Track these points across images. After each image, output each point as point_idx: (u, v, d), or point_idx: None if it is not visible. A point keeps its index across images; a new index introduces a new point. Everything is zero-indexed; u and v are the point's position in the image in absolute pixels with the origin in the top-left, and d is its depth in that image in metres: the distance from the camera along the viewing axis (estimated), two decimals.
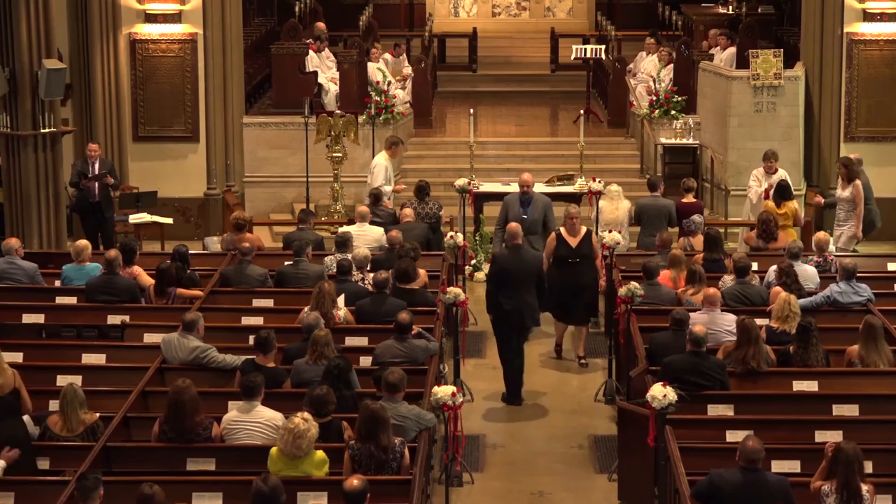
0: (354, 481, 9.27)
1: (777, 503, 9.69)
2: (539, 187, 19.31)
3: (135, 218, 19.89)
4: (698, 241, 16.27)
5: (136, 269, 15.13)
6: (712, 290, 13.55)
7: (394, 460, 10.38)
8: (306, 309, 13.48)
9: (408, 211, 17.35)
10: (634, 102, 23.51)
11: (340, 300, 13.84)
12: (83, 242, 15.76)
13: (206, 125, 21.92)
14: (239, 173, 22.23)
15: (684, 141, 21.64)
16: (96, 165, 19.16)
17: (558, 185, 19.17)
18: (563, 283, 15.65)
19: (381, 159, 19.49)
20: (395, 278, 14.39)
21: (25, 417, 11.24)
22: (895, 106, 21.51)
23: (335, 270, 14.79)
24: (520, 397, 15.11)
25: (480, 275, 18.76)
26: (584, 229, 15.86)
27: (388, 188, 19.14)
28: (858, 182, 18.37)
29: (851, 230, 18.44)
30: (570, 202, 18.98)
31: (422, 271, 14.98)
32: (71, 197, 19.90)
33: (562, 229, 15.85)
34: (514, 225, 15.38)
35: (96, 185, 19.02)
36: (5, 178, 18.55)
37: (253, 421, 10.97)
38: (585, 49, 26.38)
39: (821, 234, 16.10)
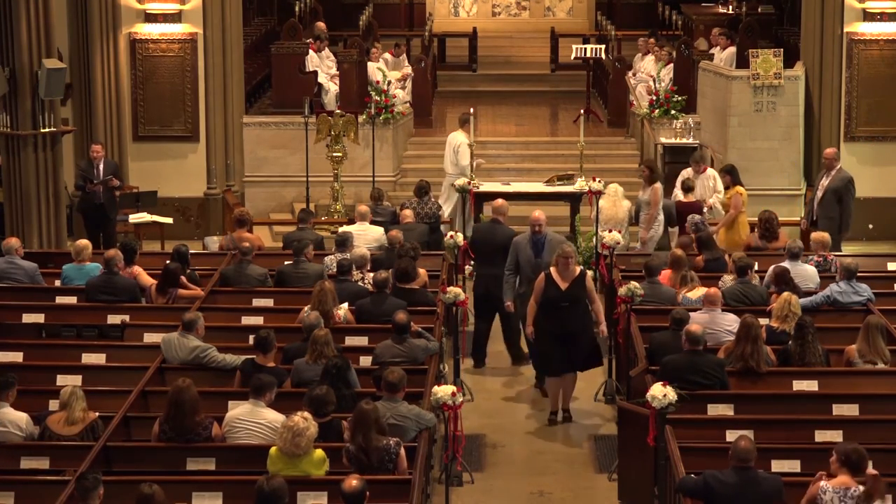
0: (353, 482, 9.28)
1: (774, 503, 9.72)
2: (538, 187, 19.33)
3: (135, 218, 19.88)
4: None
5: (137, 269, 15.14)
6: (713, 290, 13.56)
7: (389, 461, 10.37)
8: (306, 308, 13.48)
9: (407, 212, 17.36)
10: (634, 102, 23.51)
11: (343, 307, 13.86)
12: (83, 242, 15.75)
13: (206, 125, 21.91)
14: (239, 173, 22.23)
15: (684, 141, 21.61)
16: (100, 166, 19.17)
17: (558, 185, 19.15)
18: (549, 330, 14.11)
19: (462, 137, 19.94)
20: (396, 278, 14.39)
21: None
22: (895, 106, 21.51)
23: (335, 270, 14.79)
24: (483, 361, 16.17)
25: None
26: (578, 270, 14.21)
27: (465, 163, 19.75)
28: (658, 186, 18.05)
29: (651, 232, 18.14)
30: (570, 202, 19.04)
31: (422, 271, 14.98)
32: (72, 197, 19.89)
33: (552, 269, 14.15)
34: (500, 202, 16.30)
35: (100, 187, 19.04)
36: (5, 178, 18.55)
37: (255, 421, 10.97)
38: (585, 49, 26.40)
39: (822, 234, 16.11)
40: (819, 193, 18.30)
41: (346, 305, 13.86)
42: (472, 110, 20.16)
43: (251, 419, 10.99)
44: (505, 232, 15.93)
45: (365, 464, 10.29)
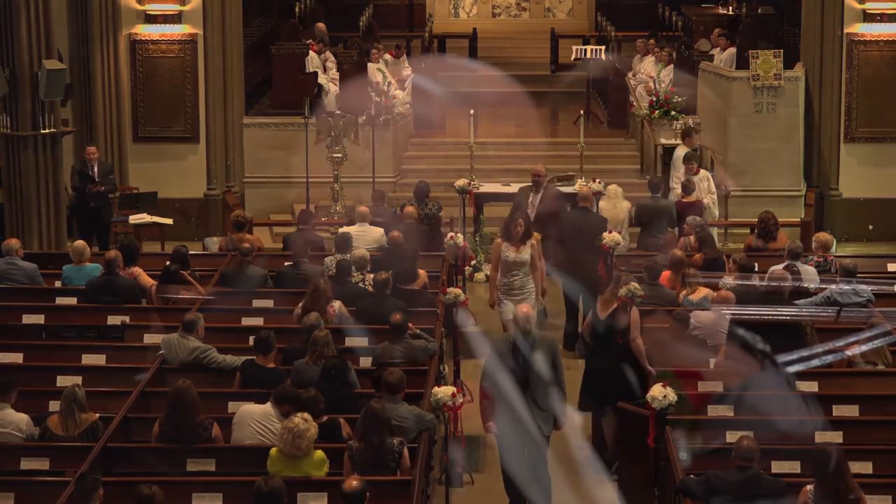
0: (353, 482, 9.28)
1: None
2: None
3: (135, 218, 19.86)
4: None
5: (137, 270, 15.14)
6: (724, 293, 13.55)
7: (392, 461, 10.37)
8: (299, 306, 13.54)
9: (410, 209, 17.29)
10: (634, 103, 23.51)
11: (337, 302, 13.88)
12: (83, 243, 15.76)
13: (206, 125, 21.91)
14: (239, 174, 22.23)
15: None
16: (95, 168, 19.16)
17: (558, 186, 19.13)
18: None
19: (679, 151, 19.94)
20: (395, 279, 14.38)
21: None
22: (895, 106, 21.51)
23: (334, 271, 14.79)
24: None
25: (480, 275, 18.76)
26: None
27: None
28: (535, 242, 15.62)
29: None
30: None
31: (422, 272, 14.98)
32: (71, 198, 19.89)
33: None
34: (584, 189, 17.13)
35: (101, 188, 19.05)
36: (5, 179, 18.54)
37: (264, 425, 10.96)
38: (585, 50, 26.40)
39: (822, 234, 16.11)
40: (532, 214, 16.90)
41: (338, 303, 13.88)
42: (688, 127, 20.36)
43: (262, 421, 10.98)
44: (598, 218, 16.86)
45: (369, 463, 10.28)
